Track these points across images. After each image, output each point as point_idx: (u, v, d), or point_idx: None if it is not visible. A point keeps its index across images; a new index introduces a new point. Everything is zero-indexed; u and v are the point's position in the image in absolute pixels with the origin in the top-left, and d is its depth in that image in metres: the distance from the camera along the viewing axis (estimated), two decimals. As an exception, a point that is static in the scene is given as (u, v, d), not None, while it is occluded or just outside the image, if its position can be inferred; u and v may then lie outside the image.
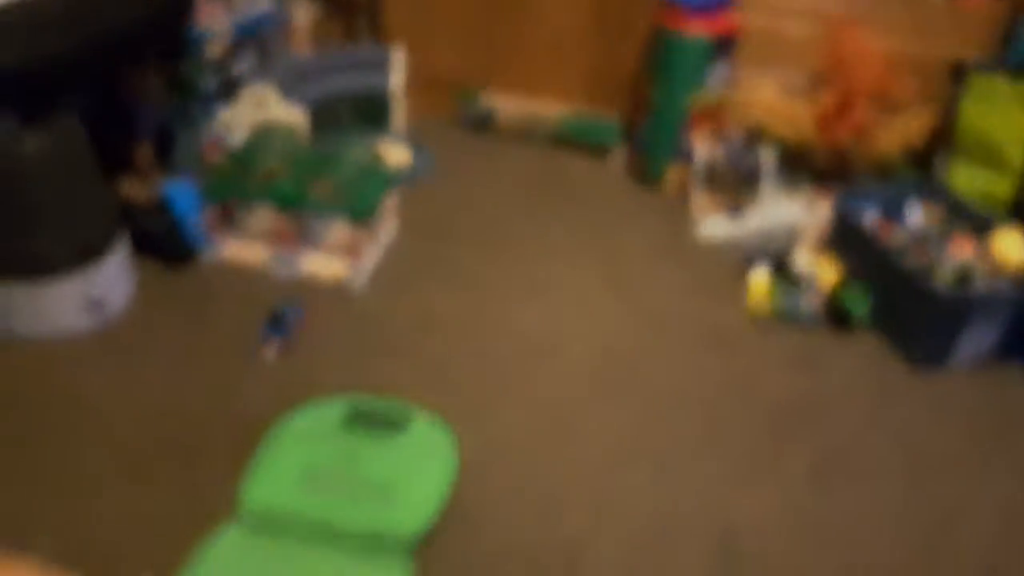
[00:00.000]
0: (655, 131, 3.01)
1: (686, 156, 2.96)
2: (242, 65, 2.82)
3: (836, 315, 2.48)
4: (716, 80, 2.90)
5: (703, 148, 2.91)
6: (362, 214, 2.52)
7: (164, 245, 2.50)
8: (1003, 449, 2.15)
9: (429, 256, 2.66)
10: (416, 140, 3.09)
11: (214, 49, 2.68)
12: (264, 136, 2.63)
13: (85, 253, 2.19)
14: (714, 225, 2.81)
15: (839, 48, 2.82)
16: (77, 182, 2.14)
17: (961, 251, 2.44)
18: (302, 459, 1.89)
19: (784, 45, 2.94)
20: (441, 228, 2.79)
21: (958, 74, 2.73)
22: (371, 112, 3.06)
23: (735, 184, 2.86)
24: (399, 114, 3.12)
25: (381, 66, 3.09)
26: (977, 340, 2.35)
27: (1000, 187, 2.64)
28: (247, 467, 1.85)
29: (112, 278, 2.29)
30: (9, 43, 1.92)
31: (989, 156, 2.66)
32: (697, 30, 2.80)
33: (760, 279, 2.53)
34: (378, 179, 2.61)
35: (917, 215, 2.61)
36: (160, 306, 2.39)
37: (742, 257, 2.67)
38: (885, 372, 2.36)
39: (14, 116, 1.98)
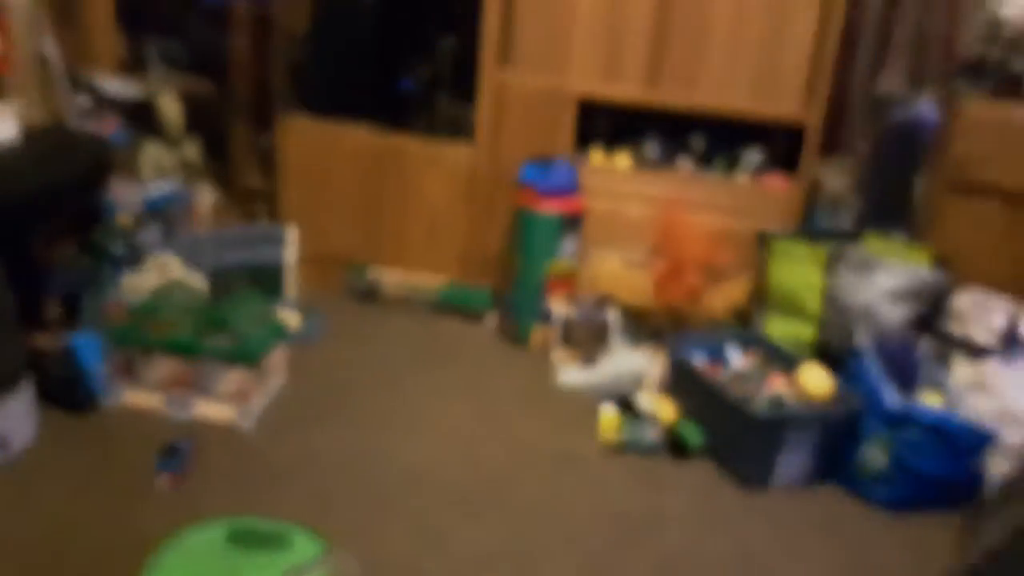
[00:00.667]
0: (520, 297, 3.39)
1: (547, 317, 3.33)
2: (149, 236, 3.10)
3: (675, 445, 2.79)
4: (567, 251, 3.33)
5: (559, 309, 3.29)
6: (252, 357, 2.75)
7: (68, 393, 2.65)
8: (820, 549, 2.45)
9: (315, 402, 2.89)
10: (307, 308, 3.38)
11: (124, 219, 2.97)
12: (166, 293, 2.88)
13: (-9, 390, 2.36)
14: (571, 374, 3.14)
15: (669, 224, 3.31)
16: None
17: (775, 385, 2.82)
18: (188, 574, 2.02)
19: (624, 224, 3.42)
20: (328, 380, 3.03)
21: (762, 241, 3.23)
22: (266, 282, 3.34)
23: (588, 339, 3.22)
24: (292, 284, 3.42)
25: (276, 242, 3.42)
26: (794, 462, 2.68)
27: (804, 332, 3.08)
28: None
29: (17, 417, 2.43)
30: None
31: (793, 307, 3.12)
32: (549, 209, 3.26)
33: (609, 414, 2.84)
34: (268, 329, 2.87)
35: (738, 358, 3.00)
36: (62, 446, 2.52)
37: (595, 399, 2.99)
38: (718, 491, 2.66)
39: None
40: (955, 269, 3.04)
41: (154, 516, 2.25)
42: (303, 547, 2.10)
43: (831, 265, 3.03)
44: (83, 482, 2.37)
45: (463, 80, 3.63)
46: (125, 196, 3.05)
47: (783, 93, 3.42)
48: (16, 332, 2.51)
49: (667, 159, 3.58)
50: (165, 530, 2.11)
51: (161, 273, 3.04)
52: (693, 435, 2.77)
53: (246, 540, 2.11)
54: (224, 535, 2.12)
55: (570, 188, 3.33)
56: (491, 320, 3.56)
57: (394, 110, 3.66)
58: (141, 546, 2.06)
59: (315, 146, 3.63)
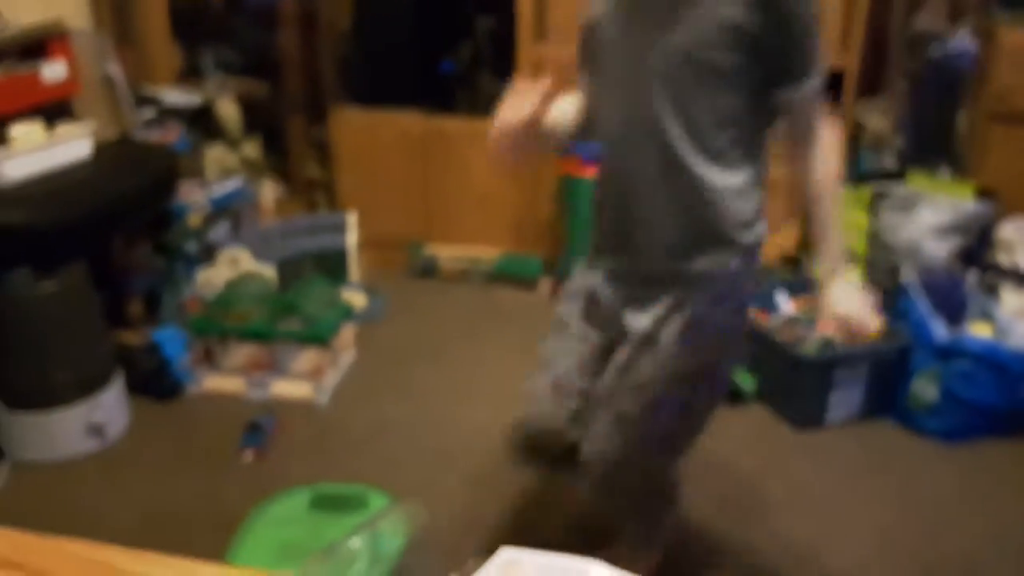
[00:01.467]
0: (570, 261, 3.48)
1: (598, 279, 3.42)
2: (218, 233, 3.29)
3: (728, 392, 2.86)
4: (614, 213, 3.41)
5: (610, 270, 3.37)
6: (322, 337, 2.91)
7: (155, 382, 2.86)
8: (875, 482, 2.50)
9: (383, 375, 3.04)
10: (371, 287, 3.54)
11: (194, 219, 3.16)
12: (238, 285, 3.06)
13: (88, 384, 2.56)
14: (625, 332, 3.22)
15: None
16: (81, 323, 2.53)
17: (824, 329, 2.86)
18: (276, 538, 2.19)
19: (668, 182, 3.47)
20: (394, 354, 3.19)
21: (806, 189, 3.25)
22: (331, 267, 3.51)
23: (640, 297, 3.30)
24: (355, 267, 3.58)
25: (337, 228, 3.57)
26: (846, 400, 2.73)
27: (852, 273, 3.10)
28: (230, 548, 2.14)
29: (111, 407, 2.64)
30: (32, 207, 2.37)
31: (839, 251, 3.14)
32: (594, 174, 3.33)
33: (663, 368, 2.92)
34: (336, 310, 3.03)
35: (787, 304, 3.04)
36: (153, 431, 2.73)
37: (650, 354, 3.07)
38: (773, 433, 2.73)
39: (29, 267, 2.40)
40: (1000, 200, 3.02)
41: (241, 488, 2.44)
42: (378, 506, 2.25)
43: (874, 205, 3.04)
44: (174, 461, 2.57)
45: (502, 58, 3.71)
46: (193, 197, 3.23)
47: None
48: (105, 332, 2.72)
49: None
50: (252, 500, 2.28)
51: (232, 266, 3.23)
52: (746, 381, 2.84)
53: (326, 504, 2.27)
54: (307, 500, 2.29)
55: (612, 153, 3.40)
56: (544, 286, 3.67)
57: (438, 93, 3.77)
58: (231, 516, 2.24)
59: (366, 134, 3.77)
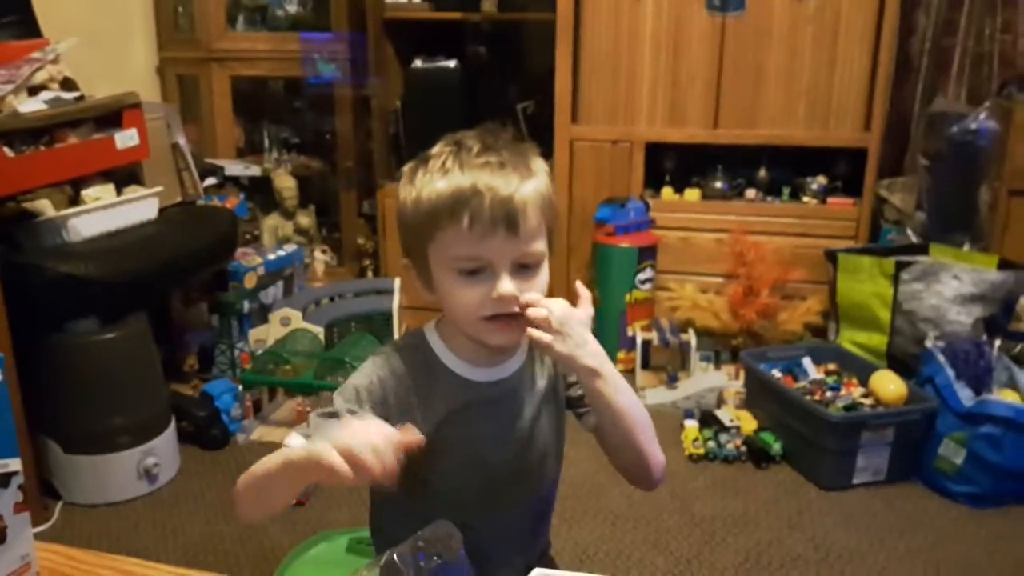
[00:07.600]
0: (602, 327, 3.48)
1: (628, 343, 3.40)
2: (271, 294, 3.35)
3: (756, 453, 2.81)
4: (644, 281, 3.41)
5: (640, 336, 3.36)
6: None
7: (206, 432, 2.88)
8: (902, 544, 2.42)
9: (422, 432, 3.03)
10: (412, 350, 3.55)
11: (249, 281, 3.22)
12: (289, 341, 3.10)
13: (143, 431, 2.59)
14: (655, 395, 3.19)
15: (741, 249, 3.35)
16: (140, 370, 2.58)
17: (850, 392, 2.81)
18: (313, 578, 2.17)
19: (697, 252, 3.48)
20: (432, 412, 3.18)
21: (830, 258, 3.23)
22: (376, 328, 3.53)
23: (669, 362, 3.28)
24: (398, 329, 3.60)
25: (383, 293, 3.62)
26: (872, 462, 2.67)
27: (877, 341, 3.06)
28: (269, 587, 2.12)
29: (163, 454, 2.66)
30: (100, 261, 2.44)
31: (865, 318, 3.10)
32: (625, 243, 3.36)
33: (692, 428, 2.89)
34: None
35: (813, 370, 3.00)
36: (202, 478, 2.73)
37: (678, 416, 3.03)
38: (799, 493, 2.66)
39: (95, 316, 2.47)
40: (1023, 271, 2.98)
41: (282, 533, 2.42)
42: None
43: (898, 275, 3.01)
44: (220, 507, 2.56)
45: (540, 138, 3.78)
46: (250, 261, 3.31)
47: (841, 121, 3.43)
48: (161, 382, 2.76)
49: (735, 193, 3.62)
50: (292, 543, 2.25)
51: (283, 325, 3.28)
52: (773, 442, 2.78)
53: (364, 550, 2.25)
54: (344, 545, 2.26)
55: (643, 224, 3.43)
56: (579, 351, 3.65)
57: (480, 169, 3.84)
58: (272, 556, 2.23)
59: (412, 207, 3.84)
